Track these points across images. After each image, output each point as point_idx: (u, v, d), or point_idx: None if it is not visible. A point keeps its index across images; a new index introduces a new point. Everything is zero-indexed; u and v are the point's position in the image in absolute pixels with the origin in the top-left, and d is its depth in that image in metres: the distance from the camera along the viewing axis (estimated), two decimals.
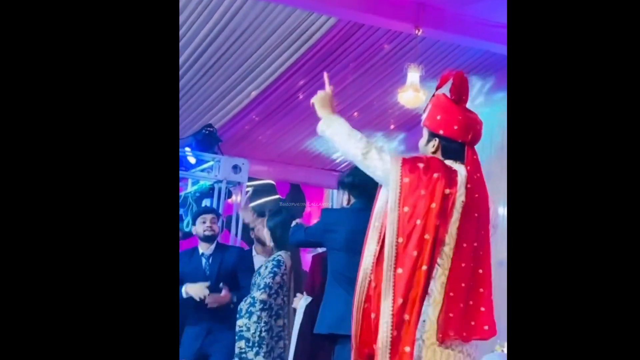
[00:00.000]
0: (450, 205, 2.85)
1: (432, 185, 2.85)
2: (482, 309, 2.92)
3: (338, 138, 2.92)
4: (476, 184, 2.97)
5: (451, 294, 2.84)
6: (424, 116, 3.05)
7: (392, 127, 6.71)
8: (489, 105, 6.23)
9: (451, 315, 2.82)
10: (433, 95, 3.08)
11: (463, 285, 2.89)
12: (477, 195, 2.96)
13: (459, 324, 2.86)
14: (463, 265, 2.90)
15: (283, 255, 4.32)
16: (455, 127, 3.00)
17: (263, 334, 4.21)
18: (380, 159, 2.86)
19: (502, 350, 4.89)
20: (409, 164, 2.86)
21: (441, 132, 3.00)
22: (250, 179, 7.05)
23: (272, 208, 4.86)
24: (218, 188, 6.49)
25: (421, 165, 2.86)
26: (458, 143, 3.00)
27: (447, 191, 2.86)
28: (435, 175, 2.85)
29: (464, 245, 2.92)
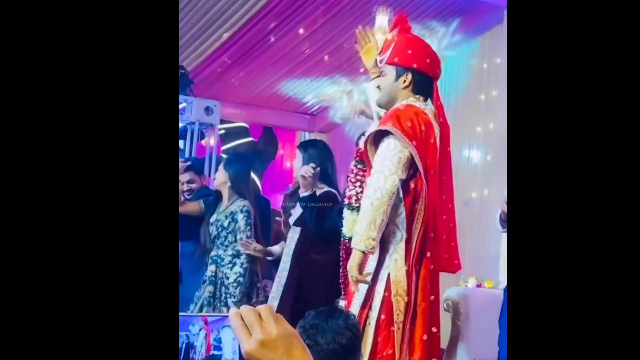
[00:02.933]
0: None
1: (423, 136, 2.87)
2: (452, 243, 3.03)
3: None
4: (444, 118, 3.02)
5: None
6: (386, 55, 3.05)
7: (361, 70, 6.44)
8: (455, 49, 6.32)
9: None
10: (388, 38, 3.17)
11: (445, 217, 2.97)
12: (446, 130, 3.01)
13: (440, 256, 2.95)
14: (444, 197, 2.98)
15: (247, 205, 4.33)
16: (428, 61, 3.00)
17: (242, 281, 4.25)
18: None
19: (466, 285, 5.09)
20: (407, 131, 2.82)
21: (415, 65, 2.97)
22: (223, 122, 7.10)
23: (230, 154, 4.82)
24: (191, 129, 6.54)
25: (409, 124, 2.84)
26: (429, 77, 3.00)
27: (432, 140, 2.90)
28: (423, 127, 2.87)
29: (443, 178, 2.97)
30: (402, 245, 2.83)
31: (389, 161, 2.79)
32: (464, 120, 6.11)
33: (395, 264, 2.83)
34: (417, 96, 2.99)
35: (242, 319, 1.01)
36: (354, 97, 7.03)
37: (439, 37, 6.24)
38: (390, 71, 3.02)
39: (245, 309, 1.02)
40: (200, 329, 1.09)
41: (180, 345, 1.11)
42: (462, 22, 6.21)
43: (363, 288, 2.87)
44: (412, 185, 2.85)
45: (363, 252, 2.78)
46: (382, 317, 2.83)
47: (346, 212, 3.16)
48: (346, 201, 3.19)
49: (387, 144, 2.84)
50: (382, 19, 5.48)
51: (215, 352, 1.10)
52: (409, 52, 3.00)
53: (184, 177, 4.78)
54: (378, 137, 2.94)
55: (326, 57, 6.63)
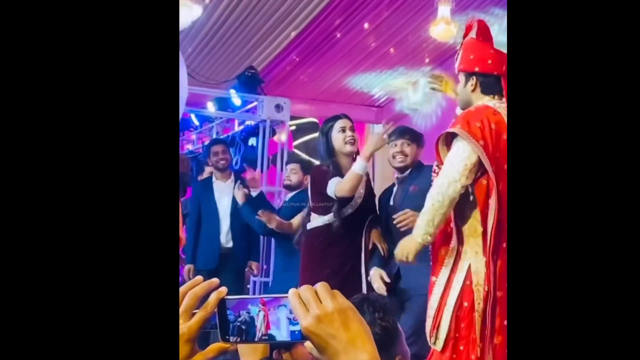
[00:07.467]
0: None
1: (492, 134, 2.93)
2: None
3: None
4: None
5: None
6: (456, 64, 3.18)
7: (426, 60, 6.79)
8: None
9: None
10: (461, 44, 3.22)
11: None
12: None
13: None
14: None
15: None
16: (489, 62, 3.11)
17: None
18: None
19: None
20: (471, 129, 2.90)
21: (477, 69, 3.11)
22: (294, 118, 7.41)
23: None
24: (263, 127, 6.79)
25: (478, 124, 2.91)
26: (494, 77, 3.10)
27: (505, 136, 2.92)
28: (493, 126, 2.92)
29: None
30: (481, 238, 2.97)
31: (454, 168, 2.92)
32: None
33: (476, 256, 2.96)
34: (491, 95, 3.10)
35: (300, 298, 1.05)
36: (419, 88, 7.16)
37: (496, 30, 6.20)
38: (461, 78, 3.19)
39: (302, 287, 1.06)
40: (259, 310, 1.09)
41: (238, 324, 1.11)
42: None
43: (444, 276, 3.05)
44: (483, 181, 2.95)
45: (420, 243, 3.03)
46: (465, 304, 2.98)
47: None
48: None
49: (457, 148, 2.96)
50: (445, 9, 5.70)
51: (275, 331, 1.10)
52: (471, 57, 3.14)
53: (218, 148, 5.46)
54: (450, 138, 3.06)
55: (391, 50, 6.69)
